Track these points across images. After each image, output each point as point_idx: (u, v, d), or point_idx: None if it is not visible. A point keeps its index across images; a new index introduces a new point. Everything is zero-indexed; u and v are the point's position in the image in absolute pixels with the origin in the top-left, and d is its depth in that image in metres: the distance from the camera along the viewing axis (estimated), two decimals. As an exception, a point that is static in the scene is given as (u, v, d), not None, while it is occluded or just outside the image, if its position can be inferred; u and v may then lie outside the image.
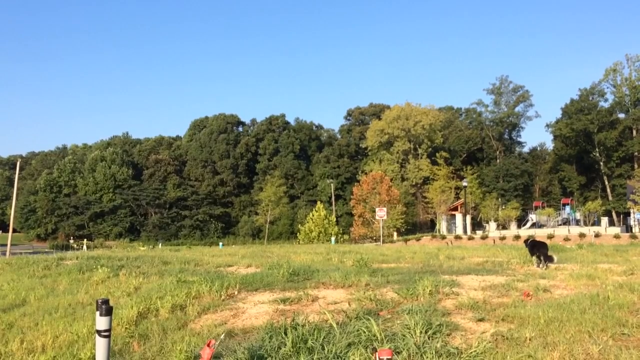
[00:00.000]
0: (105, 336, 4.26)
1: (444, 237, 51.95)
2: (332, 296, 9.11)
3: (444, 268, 12.63)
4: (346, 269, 11.86)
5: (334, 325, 6.53)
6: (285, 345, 5.96)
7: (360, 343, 5.98)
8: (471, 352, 5.70)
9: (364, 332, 6.26)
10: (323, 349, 5.85)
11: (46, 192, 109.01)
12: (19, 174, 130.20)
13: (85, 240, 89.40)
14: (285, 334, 6.26)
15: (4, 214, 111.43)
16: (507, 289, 9.25)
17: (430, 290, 8.56)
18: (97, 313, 4.27)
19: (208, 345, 5.85)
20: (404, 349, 5.76)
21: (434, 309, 7.59)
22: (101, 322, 4.24)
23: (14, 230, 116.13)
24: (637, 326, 6.53)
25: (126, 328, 7.80)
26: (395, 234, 63.68)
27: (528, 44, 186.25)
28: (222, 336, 6.58)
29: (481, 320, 7.09)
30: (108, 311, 4.27)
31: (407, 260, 16.67)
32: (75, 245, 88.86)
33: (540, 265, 13.45)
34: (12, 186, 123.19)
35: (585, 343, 5.96)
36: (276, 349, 5.93)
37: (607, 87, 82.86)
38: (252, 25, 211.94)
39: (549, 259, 13.75)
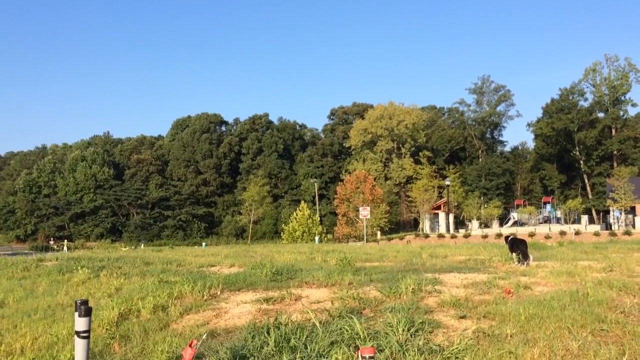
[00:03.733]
0: (84, 337, 4.20)
1: (427, 236, 52.29)
2: (315, 295, 9.10)
3: (427, 266, 12.70)
4: (329, 268, 11.86)
5: (317, 324, 6.52)
6: (268, 344, 5.94)
7: (343, 342, 5.98)
8: (453, 349, 5.73)
9: (347, 330, 6.26)
10: (306, 348, 5.84)
11: (25, 193, 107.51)
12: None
13: (65, 241, 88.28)
14: (268, 333, 6.24)
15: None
16: (488, 286, 9.33)
17: (413, 289, 8.60)
18: (76, 314, 4.21)
19: (190, 346, 5.81)
20: (386, 347, 5.77)
21: (417, 307, 7.62)
22: (80, 323, 4.18)
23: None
24: (616, 322, 6.63)
25: (107, 329, 7.71)
26: (378, 233, 63.92)
27: (509, 43, 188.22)
28: (204, 336, 6.54)
29: (463, 317, 7.14)
30: (87, 312, 4.21)
31: (390, 259, 16.71)
32: (55, 247, 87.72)
33: (520, 263, 13.60)
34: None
35: (565, 339, 6.03)
36: (259, 349, 5.91)
37: (587, 87, 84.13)
38: (235, 24, 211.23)
39: (526, 257, 13.91)
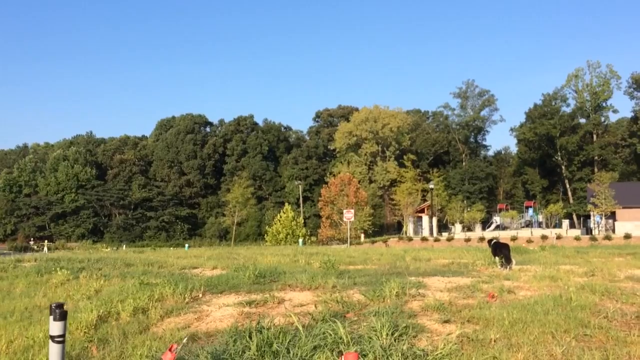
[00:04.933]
0: (59, 342, 4.06)
1: (410, 239, 52.45)
2: (298, 298, 9.01)
3: (411, 270, 12.68)
4: (313, 271, 11.78)
5: (300, 328, 6.43)
6: (250, 349, 5.84)
7: (327, 346, 5.89)
8: (437, 354, 5.68)
9: (330, 334, 6.18)
10: (288, 352, 5.75)
11: (5, 192, 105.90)
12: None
13: (46, 241, 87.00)
14: (250, 337, 6.14)
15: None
16: (472, 290, 9.31)
17: (396, 292, 8.54)
18: (51, 317, 4.07)
19: (170, 350, 5.68)
20: (370, 352, 5.70)
21: (401, 310, 7.57)
22: (55, 327, 4.04)
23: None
24: (599, 327, 6.63)
25: (85, 332, 7.53)
26: (362, 235, 63.98)
27: (494, 49, 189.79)
28: (184, 340, 6.42)
29: (447, 321, 7.10)
30: (62, 316, 4.07)
31: (374, 262, 16.68)
32: (35, 247, 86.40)
33: (504, 267, 13.64)
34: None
35: (548, 344, 6.01)
36: (240, 353, 5.80)
37: (569, 93, 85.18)
38: (221, 25, 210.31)
39: (509, 261, 13.96)
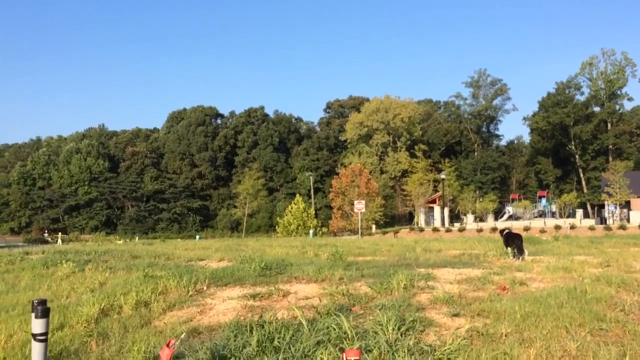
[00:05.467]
0: (41, 340, 3.87)
1: (422, 230, 52.12)
2: (304, 291, 8.80)
3: (420, 261, 12.42)
4: (320, 263, 11.57)
5: (304, 322, 6.23)
6: (250, 344, 5.64)
7: (330, 341, 5.68)
8: (445, 350, 5.45)
9: (334, 329, 5.96)
10: (290, 348, 5.54)
11: (20, 185, 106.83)
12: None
13: (60, 234, 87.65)
14: (251, 332, 5.94)
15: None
16: (483, 282, 9.05)
17: (404, 285, 8.30)
18: (33, 315, 3.88)
19: (167, 346, 5.51)
20: (374, 347, 5.48)
21: (408, 304, 7.33)
22: (37, 325, 3.84)
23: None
24: (616, 321, 6.35)
25: (85, 326, 7.38)
26: (373, 226, 63.70)
27: (506, 37, 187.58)
28: (182, 335, 6.24)
29: (456, 315, 6.84)
30: (45, 313, 3.88)
31: (383, 253, 16.45)
32: (49, 239, 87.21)
33: (516, 258, 13.35)
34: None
35: (562, 339, 5.75)
36: (240, 349, 5.61)
37: (583, 81, 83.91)
38: (231, 17, 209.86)
39: (521, 252, 13.66)
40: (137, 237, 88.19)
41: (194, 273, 10.33)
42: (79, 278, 11.23)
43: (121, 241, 73.39)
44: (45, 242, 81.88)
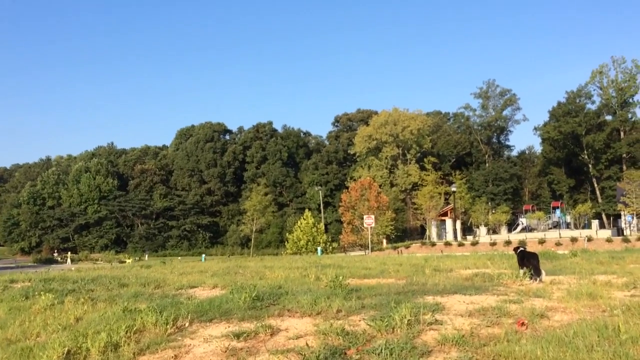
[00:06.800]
0: None
1: (433, 244, 50.89)
2: (296, 328, 7.83)
3: (429, 286, 11.37)
4: (318, 291, 10.59)
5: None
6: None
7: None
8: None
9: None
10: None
11: (30, 205, 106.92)
12: (0, 186, 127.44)
13: (69, 253, 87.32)
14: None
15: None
16: (498, 314, 8.00)
17: (408, 320, 7.30)
18: None
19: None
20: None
21: (412, 346, 6.33)
22: None
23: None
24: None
25: (42, 377, 6.48)
26: (384, 241, 62.53)
27: (514, 47, 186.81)
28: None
29: (467, 362, 5.84)
30: None
31: (391, 274, 15.43)
32: (59, 259, 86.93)
33: (533, 279, 12.30)
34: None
35: (596, 395, 4.75)
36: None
37: (594, 90, 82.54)
38: (238, 32, 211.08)
39: (538, 273, 12.59)
40: (146, 255, 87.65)
41: (178, 306, 9.40)
42: (56, 311, 10.33)
43: (130, 260, 72.86)
44: (55, 262, 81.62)
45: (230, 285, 12.17)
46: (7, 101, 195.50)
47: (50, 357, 6.83)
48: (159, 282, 14.03)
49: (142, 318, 8.38)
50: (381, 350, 6.08)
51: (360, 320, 7.84)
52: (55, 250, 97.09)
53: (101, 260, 77.79)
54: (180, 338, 7.59)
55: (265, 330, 7.44)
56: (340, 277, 11.17)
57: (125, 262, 66.72)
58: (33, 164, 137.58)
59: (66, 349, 7.17)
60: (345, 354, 6.30)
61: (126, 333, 7.78)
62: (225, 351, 6.75)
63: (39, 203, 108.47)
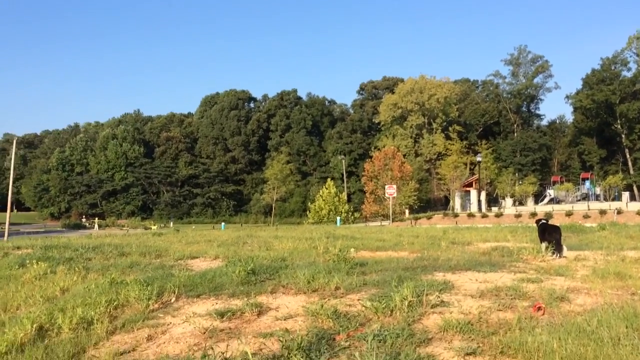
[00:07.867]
0: None
1: (456, 215, 49.80)
2: (288, 306, 7.14)
3: (441, 261, 10.57)
4: (320, 265, 9.88)
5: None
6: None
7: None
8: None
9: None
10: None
11: (59, 171, 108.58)
12: (30, 152, 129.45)
13: (97, 219, 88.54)
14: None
15: (19, 193, 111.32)
16: (512, 295, 7.18)
17: (410, 302, 6.53)
18: None
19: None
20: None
21: (409, 332, 5.57)
22: None
23: (28, 209, 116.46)
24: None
25: (3, 356, 5.93)
26: (407, 211, 61.57)
27: (548, 12, 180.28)
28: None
29: (471, 354, 5.04)
30: None
31: (404, 246, 14.68)
32: (87, 224, 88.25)
33: (555, 255, 11.39)
34: (26, 165, 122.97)
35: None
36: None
37: (630, 56, 79.25)
38: (263, 1, 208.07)
39: (560, 248, 11.64)
40: (171, 222, 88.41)
41: (168, 279, 8.81)
42: (46, 281, 9.87)
43: (155, 226, 73.51)
44: (83, 227, 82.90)
45: (232, 257, 11.56)
46: (38, 69, 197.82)
47: (12, 337, 6.26)
48: (160, 252, 13.54)
49: (125, 292, 7.80)
50: (374, 336, 5.34)
51: (358, 300, 7.11)
52: (84, 216, 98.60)
53: (127, 227, 78.70)
54: (161, 315, 6.99)
55: (252, 309, 6.78)
56: (345, 250, 10.44)
57: (150, 228, 67.35)
58: (62, 130, 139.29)
59: (38, 324, 6.61)
60: (334, 339, 5.59)
61: (106, 308, 7.21)
62: (205, 332, 6.11)
63: (67, 169, 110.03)
